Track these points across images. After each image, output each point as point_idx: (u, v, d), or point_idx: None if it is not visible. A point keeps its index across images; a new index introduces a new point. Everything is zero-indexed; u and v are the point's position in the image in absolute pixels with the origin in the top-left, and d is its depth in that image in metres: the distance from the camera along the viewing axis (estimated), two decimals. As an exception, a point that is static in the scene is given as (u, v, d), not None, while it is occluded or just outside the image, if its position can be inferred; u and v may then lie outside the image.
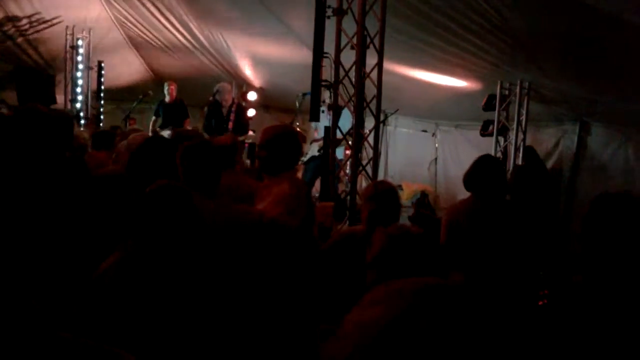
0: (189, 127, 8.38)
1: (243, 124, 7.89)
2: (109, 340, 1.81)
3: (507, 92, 6.33)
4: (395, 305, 0.71)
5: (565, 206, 6.21)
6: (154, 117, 8.83)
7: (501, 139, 6.56)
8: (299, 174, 7.70)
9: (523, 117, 6.26)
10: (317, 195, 6.61)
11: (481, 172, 3.37)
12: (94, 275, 2.15)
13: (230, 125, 7.66)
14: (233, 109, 7.78)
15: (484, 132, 6.59)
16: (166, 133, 8.44)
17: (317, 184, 6.72)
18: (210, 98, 8.05)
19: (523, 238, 3.37)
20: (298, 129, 7.43)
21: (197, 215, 2.12)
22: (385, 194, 3.26)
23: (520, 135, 6.32)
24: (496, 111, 6.35)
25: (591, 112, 5.92)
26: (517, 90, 6.14)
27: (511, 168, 6.33)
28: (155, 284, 2.02)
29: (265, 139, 3.15)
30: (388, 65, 5.31)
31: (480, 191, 3.35)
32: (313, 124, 7.05)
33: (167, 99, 8.65)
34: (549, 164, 6.46)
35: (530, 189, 3.87)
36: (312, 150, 7.38)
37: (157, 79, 10.44)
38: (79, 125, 8.46)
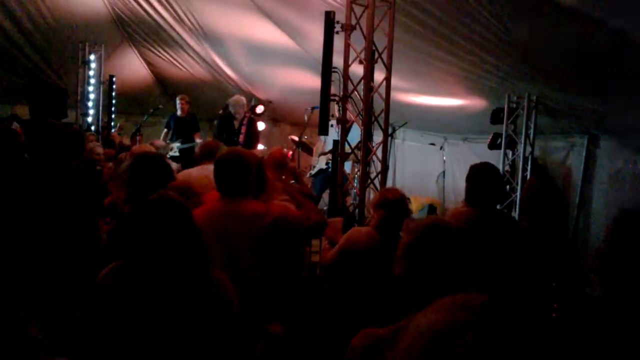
0: (199, 140, 8.47)
1: (254, 137, 7.96)
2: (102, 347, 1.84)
3: (514, 106, 6.35)
4: (453, 315, 0.76)
5: (575, 219, 6.19)
6: (165, 130, 8.94)
7: (509, 152, 6.57)
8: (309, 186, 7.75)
9: (531, 130, 6.27)
10: (325, 208, 6.63)
11: (479, 184, 3.34)
12: (95, 280, 2.18)
13: (242, 138, 7.72)
14: (245, 122, 7.85)
15: (493, 145, 6.60)
16: (176, 145, 8.55)
17: (325, 197, 6.75)
18: (221, 111, 8.13)
19: (522, 251, 3.37)
20: (305, 141, 7.51)
21: (191, 224, 2.15)
22: (394, 201, 3.30)
23: (528, 148, 6.33)
24: (504, 124, 6.36)
25: (600, 125, 5.92)
26: (525, 103, 6.16)
27: (519, 181, 6.34)
28: (147, 294, 2.05)
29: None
30: (395, 89, 5.36)
31: (479, 203, 3.32)
32: (322, 138, 7.10)
33: (179, 112, 8.75)
34: (558, 176, 6.45)
35: (544, 203, 3.85)
36: (320, 163, 7.41)
37: (167, 93, 10.56)
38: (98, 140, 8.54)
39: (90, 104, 9.57)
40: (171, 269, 2.06)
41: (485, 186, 3.30)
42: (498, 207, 3.52)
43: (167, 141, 8.74)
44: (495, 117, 6.43)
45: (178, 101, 8.73)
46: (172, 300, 2.04)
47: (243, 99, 8.18)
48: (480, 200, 3.29)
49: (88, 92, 9.53)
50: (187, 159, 7.89)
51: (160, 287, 2.05)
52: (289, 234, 2.94)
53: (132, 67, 10.20)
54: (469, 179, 3.37)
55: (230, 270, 2.33)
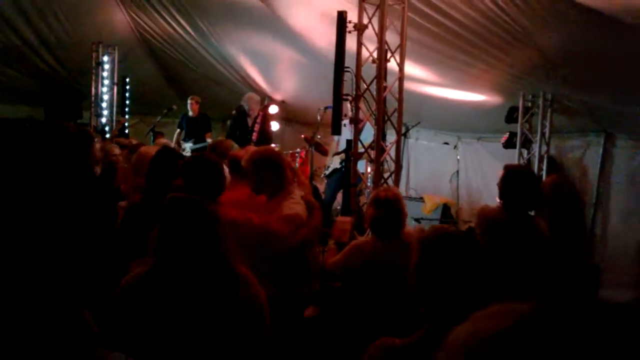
0: (210, 140, 8.48)
1: (267, 135, 7.95)
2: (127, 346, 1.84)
3: (530, 104, 6.28)
4: (498, 322, 0.76)
5: (592, 218, 6.11)
6: (177, 130, 8.98)
7: (524, 151, 6.50)
8: (321, 187, 7.72)
9: (546, 129, 6.20)
10: (339, 208, 6.61)
11: (513, 184, 3.25)
12: (122, 282, 2.19)
13: (255, 136, 7.72)
14: (258, 120, 7.84)
15: (509, 144, 6.52)
16: (188, 146, 8.58)
17: (339, 196, 6.72)
18: (234, 112, 8.13)
19: (546, 253, 3.30)
20: (319, 140, 7.48)
21: (211, 225, 2.14)
22: (387, 200, 3.20)
23: (544, 147, 6.26)
24: (519, 123, 6.30)
25: (616, 124, 5.84)
26: (540, 102, 6.09)
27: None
28: (175, 297, 2.05)
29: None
30: (409, 79, 5.31)
31: (512, 207, 3.24)
32: (336, 137, 7.07)
33: (189, 113, 8.78)
34: (574, 175, 6.37)
35: (567, 201, 3.74)
36: (335, 162, 7.38)
37: (180, 93, 10.59)
38: (105, 139, 8.58)
39: (104, 104, 9.61)
40: (198, 268, 2.07)
41: (520, 191, 3.22)
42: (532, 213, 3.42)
43: (181, 141, 8.79)
44: (510, 116, 6.37)
45: (189, 102, 8.77)
46: (202, 297, 2.05)
47: (257, 96, 8.18)
48: (513, 204, 3.23)
49: (102, 93, 9.57)
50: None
51: (189, 286, 2.06)
52: (266, 250, 2.91)
53: (146, 68, 10.24)
54: (505, 180, 3.27)
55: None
